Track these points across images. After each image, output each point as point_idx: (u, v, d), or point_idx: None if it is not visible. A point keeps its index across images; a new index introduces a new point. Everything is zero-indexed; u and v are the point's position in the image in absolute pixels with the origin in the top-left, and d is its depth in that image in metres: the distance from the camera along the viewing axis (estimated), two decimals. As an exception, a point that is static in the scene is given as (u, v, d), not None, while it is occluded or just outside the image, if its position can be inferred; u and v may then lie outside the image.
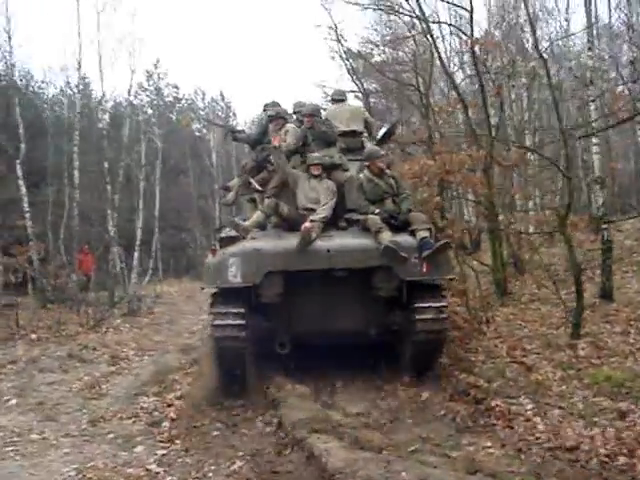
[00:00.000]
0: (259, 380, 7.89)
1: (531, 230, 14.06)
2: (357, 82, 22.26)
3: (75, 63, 17.70)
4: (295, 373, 7.58)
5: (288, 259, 7.03)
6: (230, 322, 6.98)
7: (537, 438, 5.55)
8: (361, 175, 8.13)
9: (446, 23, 15.37)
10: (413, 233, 7.40)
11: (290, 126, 8.68)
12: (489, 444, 5.52)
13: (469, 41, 10.93)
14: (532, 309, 10.78)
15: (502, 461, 5.06)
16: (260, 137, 9.23)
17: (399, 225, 7.58)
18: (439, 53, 12.84)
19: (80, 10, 17.37)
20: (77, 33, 17.45)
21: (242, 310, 7.01)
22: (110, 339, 10.96)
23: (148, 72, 34.66)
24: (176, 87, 41.02)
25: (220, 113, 43.69)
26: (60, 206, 20.38)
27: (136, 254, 15.92)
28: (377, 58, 25.74)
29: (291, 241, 7.16)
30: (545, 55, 9.69)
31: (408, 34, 15.92)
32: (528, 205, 16.03)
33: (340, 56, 21.21)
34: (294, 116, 9.49)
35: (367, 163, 8.16)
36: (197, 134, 43.29)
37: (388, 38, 19.36)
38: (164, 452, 5.66)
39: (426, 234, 7.35)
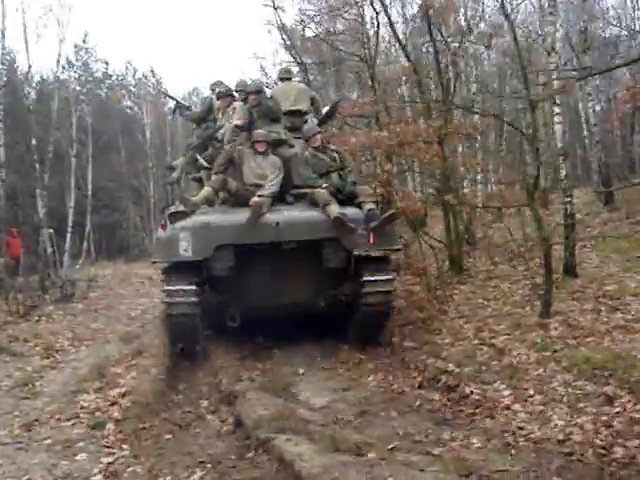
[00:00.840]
0: (209, 366, 7.38)
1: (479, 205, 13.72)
2: (294, 56, 21.52)
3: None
4: (247, 356, 7.72)
5: (238, 232, 7.28)
6: (183, 299, 7.26)
7: (521, 428, 5.10)
8: (306, 152, 8.43)
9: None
10: (359, 206, 7.78)
11: (237, 104, 9.01)
12: (474, 440, 5.03)
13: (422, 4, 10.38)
14: (491, 286, 10.40)
15: (493, 458, 4.57)
16: (205, 115, 9.74)
17: (345, 198, 7.92)
18: (389, 17, 12.18)
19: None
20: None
21: (194, 287, 7.27)
22: (43, 328, 10.06)
23: (76, 46, 33.29)
24: (106, 62, 39.58)
25: (151, 90, 42.38)
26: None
27: (68, 236, 14.94)
28: (312, 31, 25.36)
29: (240, 215, 7.40)
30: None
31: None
32: (477, 178, 15.67)
33: (278, 28, 20.50)
34: (237, 94, 9.71)
35: (306, 141, 8.55)
36: (128, 111, 42.01)
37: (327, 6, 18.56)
38: (110, 460, 4.94)
39: (372, 206, 7.75)
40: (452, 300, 9.68)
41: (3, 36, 16.23)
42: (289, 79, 9.82)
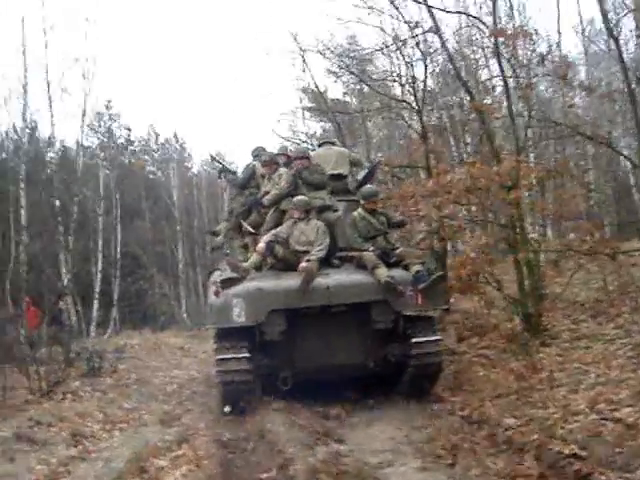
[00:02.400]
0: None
1: (542, 257, 12.38)
2: (329, 113, 20.63)
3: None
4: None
5: (290, 297, 7.55)
6: (236, 367, 7.44)
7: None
8: (355, 213, 8.71)
9: (465, 13, 13.43)
10: (406, 267, 8.02)
11: (283, 170, 9.22)
12: None
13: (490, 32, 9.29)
14: (582, 348, 8.96)
15: None
16: (247, 181, 9.94)
17: (392, 261, 8.13)
18: (448, 52, 11.06)
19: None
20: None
21: (247, 354, 7.48)
22: (69, 408, 8.74)
23: (99, 113, 32.75)
24: (128, 129, 39.06)
25: (174, 155, 41.87)
26: (6, 252, 18.17)
27: (95, 303, 13.70)
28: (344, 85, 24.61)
29: (290, 280, 7.69)
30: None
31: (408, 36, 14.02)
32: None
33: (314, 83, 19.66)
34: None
35: (363, 202, 8.75)
36: (151, 177, 41.39)
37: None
38: None
39: (420, 268, 7.96)
40: (542, 366, 8.28)
41: (25, 92, 15.30)
42: (330, 143, 10.19)
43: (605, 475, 4.94)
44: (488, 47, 13.17)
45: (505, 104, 10.06)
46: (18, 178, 15.65)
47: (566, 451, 5.52)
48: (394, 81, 15.74)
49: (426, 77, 13.78)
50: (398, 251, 8.39)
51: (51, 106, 15.99)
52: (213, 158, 12.45)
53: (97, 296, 13.98)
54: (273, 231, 8.57)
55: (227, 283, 7.67)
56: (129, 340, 18.93)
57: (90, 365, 11.99)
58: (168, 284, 29.73)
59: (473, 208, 9.17)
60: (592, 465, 5.14)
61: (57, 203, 15.64)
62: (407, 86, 14.55)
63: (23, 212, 14.82)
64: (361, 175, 10.09)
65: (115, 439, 7.36)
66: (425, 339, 7.81)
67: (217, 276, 8.59)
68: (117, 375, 12.04)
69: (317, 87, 20.77)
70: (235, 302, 7.46)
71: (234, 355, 7.48)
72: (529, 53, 10.04)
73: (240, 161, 60.76)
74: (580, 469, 5.18)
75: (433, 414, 7.52)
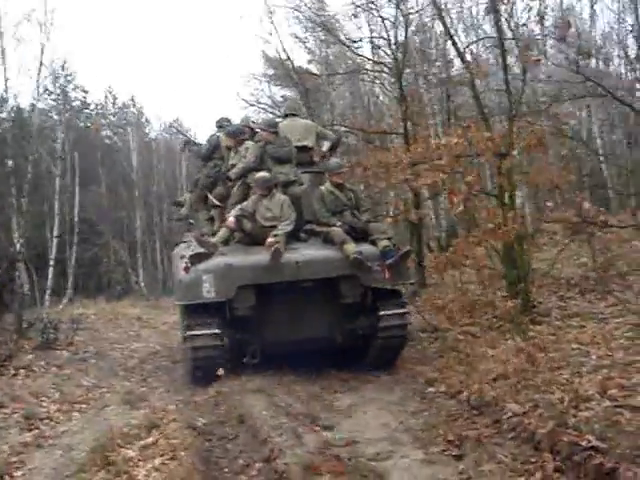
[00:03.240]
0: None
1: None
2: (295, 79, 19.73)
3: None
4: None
5: (259, 273, 7.63)
6: (207, 343, 7.49)
7: None
8: (322, 188, 8.75)
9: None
10: (373, 242, 8.13)
11: (250, 143, 9.17)
12: None
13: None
14: (575, 327, 8.46)
15: None
16: (212, 152, 9.83)
17: (359, 236, 8.20)
18: (440, 12, 10.28)
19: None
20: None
21: (217, 330, 7.54)
22: (21, 386, 7.95)
23: (54, 72, 31.20)
24: (84, 91, 37.44)
25: (132, 119, 40.43)
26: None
27: (51, 270, 12.74)
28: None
29: (259, 255, 7.77)
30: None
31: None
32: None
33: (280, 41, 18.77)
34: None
35: (328, 176, 8.81)
36: (107, 141, 39.97)
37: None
38: None
39: (387, 243, 8.08)
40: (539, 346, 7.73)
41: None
42: (294, 115, 9.88)
43: (631, 471, 4.37)
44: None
45: (497, 66, 9.33)
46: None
47: (583, 443, 4.97)
48: (371, 43, 14.85)
49: (406, 37, 13.04)
50: (365, 225, 8.48)
51: (4, 59, 14.69)
52: (176, 129, 11.98)
53: (52, 263, 12.97)
54: (240, 205, 8.53)
55: (196, 258, 7.66)
56: (84, 310, 18.03)
57: (44, 337, 11.15)
58: (124, 252, 28.64)
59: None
60: (615, 459, 4.57)
61: (9, 163, 14.49)
62: (385, 48, 13.73)
63: (-30, 170, 13.73)
64: (325, 147, 9.92)
65: (74, 422, 6.63)
66: (392, 312, 7.98)
67: (183, 249, 8.92)
68: (73, 348, 11.22)
69: (284, 50, 19.78)
70: (205, 278, 7.48)
71: (204, 331, 7.49)
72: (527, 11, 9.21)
73: (199, 128, 59.50)
74: (602, 464, 4.61)
75: (426, 397, 6.93)
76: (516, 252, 9.30)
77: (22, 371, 8.96)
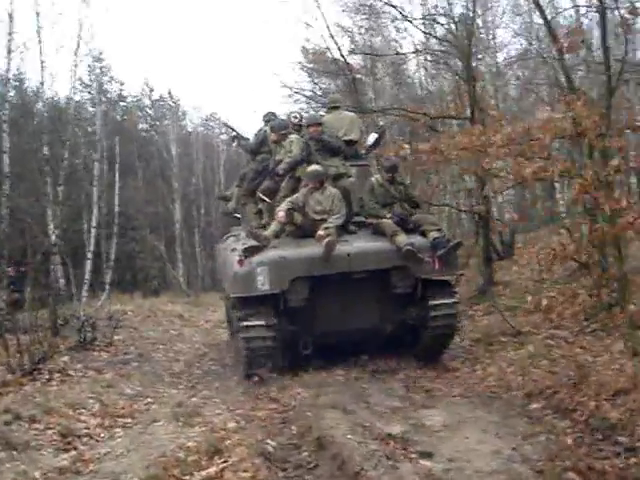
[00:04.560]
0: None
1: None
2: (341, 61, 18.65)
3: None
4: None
5: (313, 265, 7.63)
6: (260, 334, 7.55)
7: None
8: (373, 180, 8.85)
9: None
10: (423, 234, 8.16)
11: (294, 137, 9.15)
12: None
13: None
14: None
15: None
16: (259, 147, 9.99)
17: (409, 227, 8.24)
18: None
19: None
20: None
21: (271, 321, 7.58)
22: (56, 395, 6.91)
23: (90, 66, 30.46)
24: (121, 83, 36.68)
25: (168, 112, 39.63)
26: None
27: (88, 263, 11.78)
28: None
29: (312, 248, 7.77)
30: None
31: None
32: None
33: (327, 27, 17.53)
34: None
35: (385, 173, 8.77)
36: (144, 134, 39.20)
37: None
38: None
39: (437, 234, 8.11)
40: None
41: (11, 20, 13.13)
42: (337, 107, 9.72)
43: None
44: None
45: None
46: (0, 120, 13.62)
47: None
48: (434, 20, 13.62)
49: (474, 12, 11.88)
50: (415, 217, 8.52)
51: (41, 48, 13.78)
52: (225, 125, 11.50)
53: (90, 255, 12.01)
54: (290, 199, 8.44)
55: (250, 251, 7.68)
56: (122, 306, 17.10)
57: (81, 336, 10.19)
58: (162, 246, 27.78)
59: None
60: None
61: (45, 150, 13.59)
62: (451, 25, 12.54)
63: (5, 157, 12.82)
64: (370, 140, 9.91)
65: (118, 441, 5.59)
66: (442, 302, 8.01)
67: (232, 242, 9.09)
68: (113, 349, 10.27)
69: (331, 35, 18.59)
70: (259, 270, 7.51)
71: (258, 322, 7.55)
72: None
73: (237, 121, 58.54)
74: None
75: (532, 415, 5.81)
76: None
77: (57, 375, 7.99)
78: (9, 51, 13.29)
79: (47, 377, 7.88)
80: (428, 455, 4.97)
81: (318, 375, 7.74)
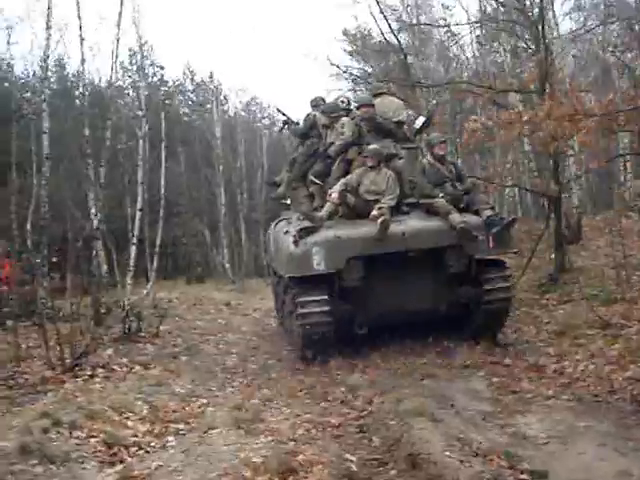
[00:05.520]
0: None
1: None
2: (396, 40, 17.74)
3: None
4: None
5: (368, 244, 7.68)
6: (316, 309, 7.57)
7: None
8: (424, 160, 8.88)
9: None
10: (476, 213, 8.18)
11: (345, 119, 9.14)
12: None
13: None
14: None
15: None
16: (308, 131, 9.92)
17: (461, 206, 8.24)
18: None
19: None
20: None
21: (326, 297, 7.62)
22: (100, 395, 6.18)
23: (131, 50, 29.86)
24: (161, 67, 36.00)
25: (211, 97, 38.90)
26: (27, 192, 15.78)
27: (133, 249, 11.06)
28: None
29: (366, 228, 7.83)
30: None
31: None
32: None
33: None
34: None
35: (429, 148, 8.85)
36: (185, 119, 38.60)
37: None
38: None
39: (490, 212, 8.21)
40: None
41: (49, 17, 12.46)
42: (382, 94, 9.74)
43: None
44: None
45: None
46: (41, 100, 12.99)
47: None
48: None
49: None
50: (467, 196, 8.47)
51: (81, 33, 13.08)
52: (277, 109, 11.93)
53: (135, 241, 11.30)
54: (343, 180, 8.47)
55: (305, 232, 7.70)
56: (167, 293, 16.47)
57: (126, 326, 9.51)
58: (207, 231, 27.16)
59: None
60: None
61: (86, 132, 12.93)
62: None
63: (45, 137, 12.16)
64: (419, 122, 9.83)
65: (171, 453, 4.81)
66: (497, 280, 8.01)
67: (284, 225, 8.97)
68: (159, 340, 9.57)
69: (382, 12, 17.55)
70: (315, 250, 7.57)
71: (314, 298, 7.58)
72: None
73: (279, 104, 57.72)
74: None
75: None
76: None
77: (100, 371, 7.29)
78: (48, 27, 12.60)
79: (89, 373, 7.19)
80: (542, 476, 4.13)
81: (384, 366, 7.55)
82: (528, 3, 11.42)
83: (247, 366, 8.20)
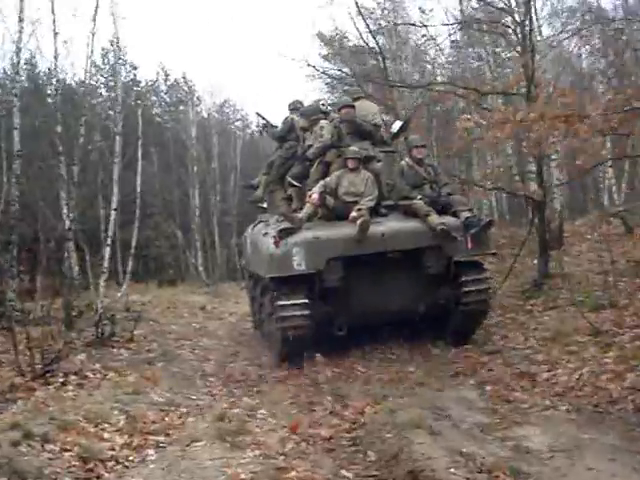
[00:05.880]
0: None
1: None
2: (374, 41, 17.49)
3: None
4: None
5: (348, 245, 7.75)
6: (296, 313, 7.54)
7: None
8: (402, 162, 9.06)
9: None
10: (455, 214, 8.26)
11: (324, 122, 9.24)
12: None
13: None
14: None
15: None
16: (286, 134, 10.08)
17: (440, 208, 8.35)
18: None
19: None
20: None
21: (306, 300, 7.62)
22: (73, 404, 5.83)
23: (104, 49, 29.37)
24: (134, 67, 35.42)
25: (184, 97, 38.41)
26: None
27: (107, 250, 10.62)
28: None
29: (345, 229, 7.90)
30: None
31: None
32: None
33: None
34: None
35: (409, 150, 9.01)
36: (158, 119, 38.03)
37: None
38: None
39: (469, 214, 8.27)
40: None
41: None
42: (359, 98, 9.87)
43: None
44: None
45: None
46: (12, 94, 12.52)
47: None
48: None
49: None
50: (445, 198, 8.58)
51: (55, 32, 12.60)
52: (257, 114, 11.67)
53: (109, 241, 10.87)
54: (322, 182, 8.51)
55: (285, 233, 7.74)
56: (140, 296, 16.08)
57: (99, 331, 9.14)
58: (180, 233, 26.71)
59: None
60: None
61: (59, 129, 12.49)
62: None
63: (16, 134, 11.70)
64: (396, 127, 9.88)
65: (151, 468, 4.47)
66: (475, 280, 8.07)
67: (262, 227, 9.11)
68: (134, 345, 9.20)
69: (359, 10, 17.21)
70: (295, 251, 7.60)
71: (294, 301, 7.56)
72: None
73: (249, 106, 57.34)
74: None
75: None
76: None
77: (73, 378, 6.93)
78: (20, 20, 12.15)
79: (62, 380, 6.84)
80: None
81: (370, 373, 7.43)
82: (514, 3, 11.21)
83: (226, 372, 7.87)
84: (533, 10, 12.10)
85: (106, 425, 5.24)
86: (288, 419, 5.59)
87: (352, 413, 5.56)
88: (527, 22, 10.75)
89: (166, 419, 5.63)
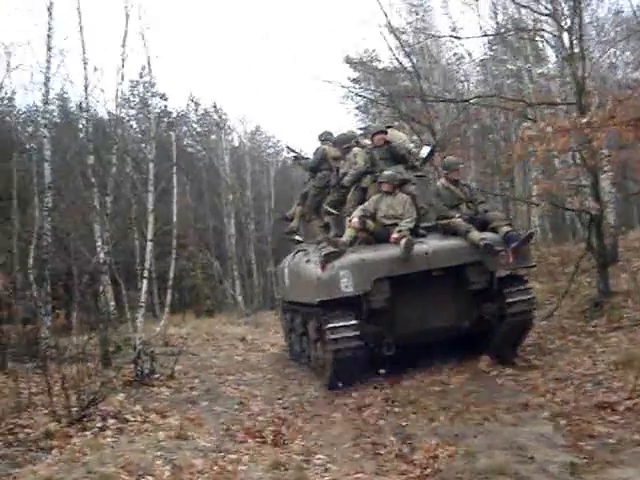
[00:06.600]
0: None
1: None
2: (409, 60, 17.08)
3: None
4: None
5: (393, 265, 7.88)
6: (347, 334, 7.63)
7: None
8: (438, 183, 9.41)
9: None
10: (494, 230, 8.40)
11: (357, 149, 9.52)
12: None
13: None
14: None
15: None
16: (318, 164, 10.35)
17: (478, 225, 8.44)
18: None
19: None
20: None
21: (355, 321, 7.72)
22: (113, 452, 5.32)
23: (132, 81, 29.43)
24: (164, 98, 35.41)
25: (214, 127, 38.33)
26: (29, 224, 15.14)
27: (144, 283, 10.19)
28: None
29: (389, 250, 8.04)
30: None
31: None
32: None
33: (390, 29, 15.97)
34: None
35: (445, 172, 9.18)
36: (190, 150, 38.04)
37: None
38: None
39: (508, 228, 8.43)
40: None
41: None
42: (389, 127, 10.23)
43: None
44: None
45: None
46: (42, 125, 12.28)
47: None
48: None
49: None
50: (483, 215, 8.71)
51: (85, 65, 12.36)
52: (288, 148, 13.27)
53: (147, 274, 10.41)
54: (361, 207, 8.68)
55: (331, 257, 7.85)
56: (177, 329, 15.66)
57: (139, 368, 8.66)
58: (216, 263, 26.39)
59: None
60: None
61: (91, 160, 12.15)
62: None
63: (46, 166, 11.40)
64: (424, 152, 10.11)
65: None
66: (518, 295, 8.14)
67: (302, 255, 9.19)
68: (175, 382, 8.71)
69: (392, 32, 16.85)
70: (342, 274, 7.70)
71: (344, 323, 7.65)
72: None
73: (284, 136, 57.42)
74: None
75: None
76: None
77: (112, 422, 6.41)
78: (49, 48, 11.91)
79: (99, 425, 6.33)
80: None
81: (429, 402, 6.93)
82: (560, 9, 10.67)
83: (276, 411, 7.31)
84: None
85: (149, 477, 4.70)
86: (351, 465, 5.01)
87: (422, 457, 4.95)
88: (576, 27, 10.22)
89: (215, 467, 5.06)
